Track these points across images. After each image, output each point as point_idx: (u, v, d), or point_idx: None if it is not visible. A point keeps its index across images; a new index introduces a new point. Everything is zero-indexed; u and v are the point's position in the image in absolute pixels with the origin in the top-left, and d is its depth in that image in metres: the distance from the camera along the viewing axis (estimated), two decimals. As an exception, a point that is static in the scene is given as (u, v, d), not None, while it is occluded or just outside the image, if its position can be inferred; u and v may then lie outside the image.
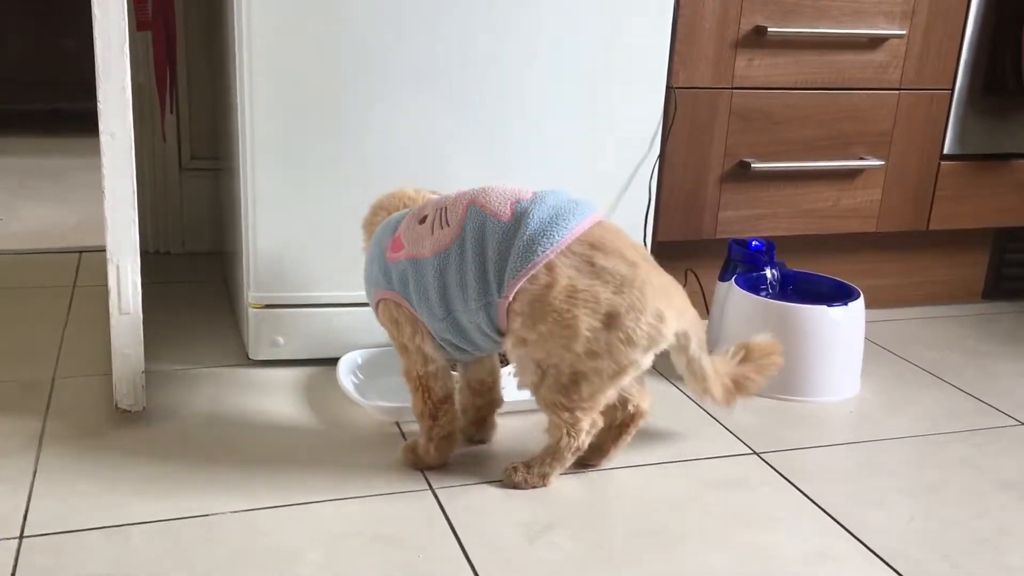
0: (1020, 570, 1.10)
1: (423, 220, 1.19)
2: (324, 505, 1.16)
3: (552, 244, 1.12)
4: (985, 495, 1.26)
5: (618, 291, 1.11)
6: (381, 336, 1.34)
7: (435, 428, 1.22)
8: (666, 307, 1.13)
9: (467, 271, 1.15)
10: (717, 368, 1.23)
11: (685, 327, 1.17)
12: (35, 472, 1.19)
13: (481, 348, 1.22)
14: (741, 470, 1.28)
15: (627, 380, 1.17)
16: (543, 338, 1.13)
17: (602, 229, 1.16)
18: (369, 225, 1.32)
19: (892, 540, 1.14)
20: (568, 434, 1.18)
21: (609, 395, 1.18)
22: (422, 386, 1.22)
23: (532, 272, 1.12)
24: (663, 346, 1.16)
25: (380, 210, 1.31)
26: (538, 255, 1.12)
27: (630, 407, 1.25)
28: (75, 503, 1.13)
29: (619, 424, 1.26)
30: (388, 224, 1.24)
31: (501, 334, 1.18)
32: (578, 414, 1.17)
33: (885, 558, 1.11)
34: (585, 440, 1.19)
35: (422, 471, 1.24)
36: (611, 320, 1.11)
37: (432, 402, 1.22)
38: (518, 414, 1.40)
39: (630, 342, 1.12)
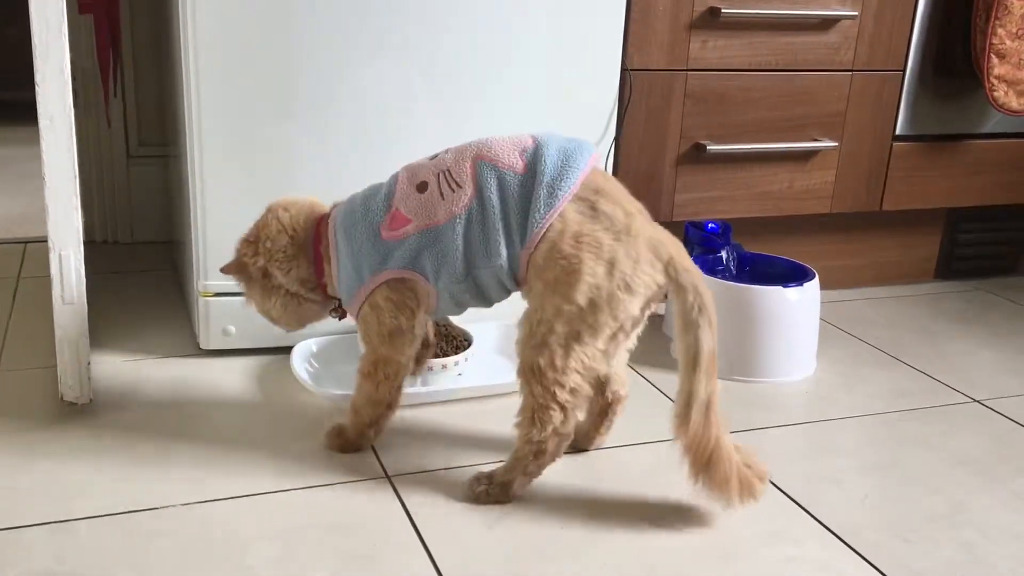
0: (975, 545, 1.11)
1: (422, 187, 1.15)
2: (278, 495, 1.13)
3: (568, 189, 1.10)
4: (939, 472, 1.27)
5: (617, 238, 1.10)
6: (334, 324, 1.32)
7: (387, 416, 1.22)
8: (657, 257, 1.10)
9: (490, 228, 1.12)
10: (715, 388, 1.10)
11: (676, 275, 1.11)
12: (-23, 468, 1.16)
13: (493, 302, 1.21)
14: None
15: (626, 341, 1.15)
16: (548, 287, 1.10)
17: (601, 176, 1.14)
18: (263, 240, 1.23)
19: (848, 518, 1.15)
20: (534, 420, 1.11)
21: (618, 365, 1.19)
22: (393, 373, 1.19)
23: (553, 218, 1.10)
24: (655, 296, 1.12)
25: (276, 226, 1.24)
26: (558, 200, 1.10)
27: (608, 393, 1.24)
28: (18, 499, 1.10)
29: (599, 411, 1.25)
30: (355, 213, 1.17)
31: (518, 283, 1.16)
32: (554, 390, 1.09)
33: (841, 536, 1.11)
34: (549, 439, 1.12)
35: (378, 460, 1.22)
36: (612, 267, 1.09)
37: (397, 389, 1.21)
38: (474, 399, 1.39)
39: (629, 290, 1.09)
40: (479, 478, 1.16)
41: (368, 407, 1.22)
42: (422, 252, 1.14)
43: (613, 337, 1.11)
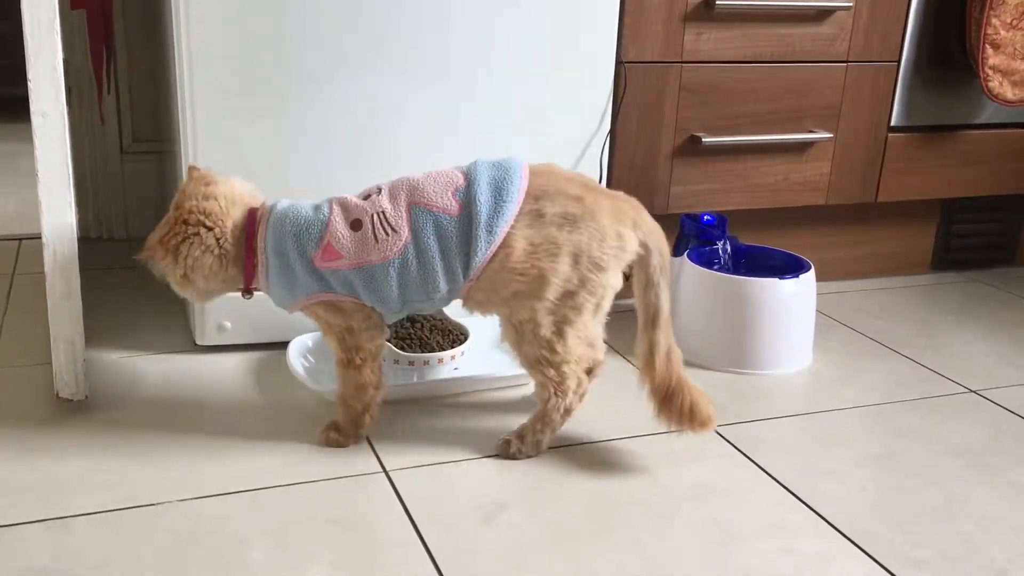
0: (971, 536, 1.11)
1: (356, 225, 1.16)
2: (275, 490, 1.13)
3: (506, 222, 1.14)
4: (936, 463, 1.27)
5: (572, 231, 1.15)
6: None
7: (377, 396, 1.23)
8: (621, 225, 1.17)
9: (428, 269, 1.16)
10: (671, 338, 1.21)
11: (642, 237, 1.18)
12: (-28, 465, 1.16)
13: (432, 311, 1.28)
14: (696, 444, 1.28)
15: (607, 308, 1.20)
16: (513, 298, 1.16)
17: (537, 176, 1.18)
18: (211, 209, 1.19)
19: (845, 510, 1.15)
20: (556, 394, 1.20)
21: (593, 335, 1.22)
22: (371, 357, 1.21)
23: (495, 250, 1.14)
24: (630, 259, 1.18)
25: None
26: (497, 236, 1.14)
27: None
28: (14, 496, 1.10)
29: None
30: (285, 240, 1.16)
31: (462, 301, 1.22)
32: (564, 369, 1.19)
33: (839, 527, 1.11)
34: (573, 401, 1.21)
35: (375, 454, 1.22)
36: (576, 258, 1.15)
37: (379, 367, 1.22)
38: (471, 393, 1.39)
39: (599, 268, 1.16)
40: (510, 440, 1.22)
41: (356, 394, 1.22)
42: (354, 283, 1.17)
43: (598, 306, 1.19)
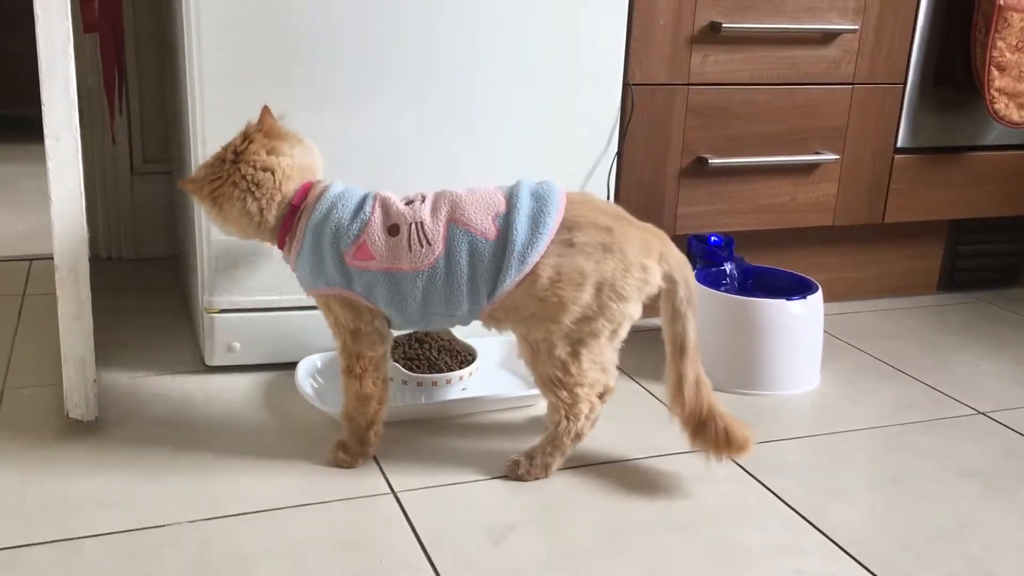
0: (981, 558, 1.11)
1: (393, 231, 1.17)
2: (284, 512, 1.13)
3: (539, 250, 1.15)
4: (945, 484, 1.27)
5: (600, 260, 1.16)
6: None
7: (380, 411, 1.23)
8: (647, 257, 1.18)
9: (454, 286, 1.17)
10: (700, 368, 1.21)
11: (668, 269, 1.20)
12: (-17, 486, 1.16)
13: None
14: (704, 465, 1.27)
15: (623, 335, 1.21)
16: (531, 318, 1.17)
17: (572, 206, 1.19)
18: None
19: (854, 532, 1.15)
20: (567, 417, 1.20)
21: (608, 360, 1.21)
22: (372, 367, 1.21)
23: (523, 278, 1.16)
24: (653, 292, 1.19)
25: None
26: (528, 266, 1.15)
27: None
28: (24, 517, 1.10)
29: None
30: (326, 228, 1.17)
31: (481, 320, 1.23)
32: (577, 392, 1.19)
33: (848, 550, 1.11)
34: (585, 425, 1.22)
35: (384, 475, 1.22)
36: (599, 287, 1.16)
37: (381, 381, 1.22)
38: (479, 414, 1.39)
39: (621, 298, 1.17)
40: (519, 461, 1.22)
41: (359, 407, 1.22)
42: (377, 287, 1.18)
43: (615, 332, 1.20)
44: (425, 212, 1.18)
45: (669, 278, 1.19)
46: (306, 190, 1.20)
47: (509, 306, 1.18)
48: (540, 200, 1.18)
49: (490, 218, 1.17)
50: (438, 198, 1.19)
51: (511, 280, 1.15)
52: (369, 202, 1.19)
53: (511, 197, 1.18)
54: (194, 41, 1.35)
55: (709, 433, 1.20)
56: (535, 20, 1.49)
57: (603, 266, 1.16)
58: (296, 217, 1.19)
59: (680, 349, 1.20)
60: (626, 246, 1.17)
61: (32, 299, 1.82)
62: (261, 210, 1.19)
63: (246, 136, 1.20)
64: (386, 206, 1.19)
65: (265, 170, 1.18)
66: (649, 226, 1.22)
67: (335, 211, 1.18)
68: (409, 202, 1.20)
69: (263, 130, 1.20)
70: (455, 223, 1.17)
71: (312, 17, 1.38)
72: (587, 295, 1.16)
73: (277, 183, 1.19)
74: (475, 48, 1.47)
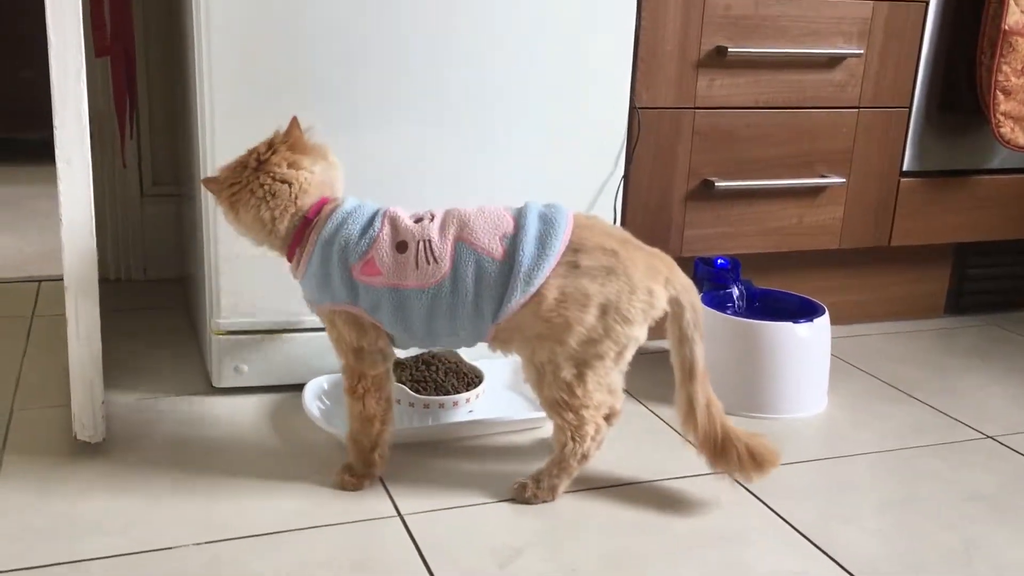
0: (989, 583, 1.10)
1: (401, 248, 1.18)
2: (291, 534, 1.13)
3: (545, 272, 1.16)
4: (954, 508, 1.27)
5: (605, 283, 1.16)
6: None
7: (384, 432, 1.23)
8: (653, 281, 1.18)
9: (459, 305, 1.18)
10: (710, 390, 1.22)
11: (675, 293, 1.20)
12: (-9, 507, 1.16)
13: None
14: (711, 489, 1.27)
15: (629, 358, 1.21)
16: (536, 339, 1.18)
17: (579, 229, 1.19)
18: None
19: (862, 556, 1.14)
20: (573, 439, 1.20)
21: (614, 382, 1.22)
22: (374, 387, 1.21)
23: (528, 299, 1.16)
24: (659, 315, 1.20)
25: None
26: (533, 287, 1.16)
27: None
28: (32, 539, 1.10)
29: None
30: (335, 243, 1.18)
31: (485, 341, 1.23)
32: (583, 414, 1.19)
33: (856, 574, 1.10)
34: (591, 447, 1.21)
35: (391, 498, 1.22)
36: (604, 310, 1.16)
37: (384, 401, 1.23)
38: (486, 436, 1.39)
39: (627, 321, 1.17)
40: (526, 484, 1.22)
41: (363, 427, 1.22)
42: (382, 304, 1.18)
43: (620, 355, 1.20)
44: (433, 230, 1.18)
45: (675, 302, 1.20)
46: (321, 205, 1.21)
47: (514, 327, 1.18)
48: (547, 222, 1.18)
49: (497, 238, 1.18)
50: (447, 216, 1.20)
51: (516, 301, 1.16)
52: (379, 218, 1.20)
53: (519, 218, 1.19)
54: (205, 64, 1.36)
55: (731, 458, 1.20)
56: (544, 43, 1.50)
57: (608, 289, 1.16)
58: (308, 231, 1.20)
59: (689, 373, 1.21)
60: (631, 270, 1.17)
61: (41, 320, 1.83)
62: (273, 219, 1.20)
63: (271, 145, 1.21)
64: (395, 223, 1.20)
65: (283, 182, 1.19)
66: (655, 251, 1.23)
67: (345, 227, 1.19)
68: (418, 219, 1.20)
69: (288, 142, 1.21)
70: (462, 242, 1.17)
71: (325, 32, 1.39)
72: (592, 317, 1.16)
73: (293, 196, 1.20)
74: (486, 72, 1.48)
